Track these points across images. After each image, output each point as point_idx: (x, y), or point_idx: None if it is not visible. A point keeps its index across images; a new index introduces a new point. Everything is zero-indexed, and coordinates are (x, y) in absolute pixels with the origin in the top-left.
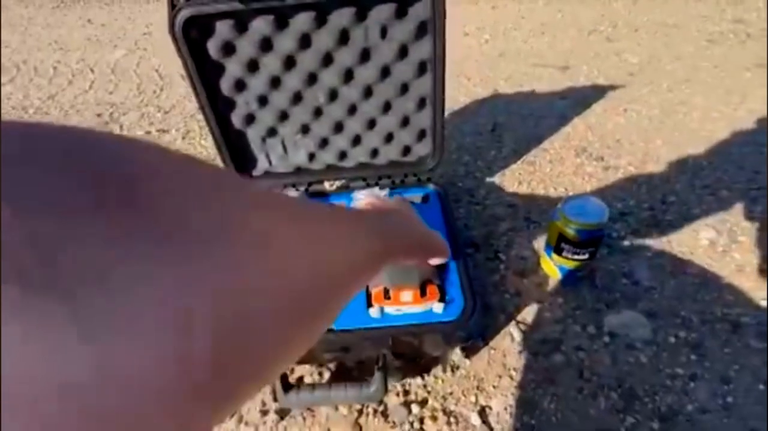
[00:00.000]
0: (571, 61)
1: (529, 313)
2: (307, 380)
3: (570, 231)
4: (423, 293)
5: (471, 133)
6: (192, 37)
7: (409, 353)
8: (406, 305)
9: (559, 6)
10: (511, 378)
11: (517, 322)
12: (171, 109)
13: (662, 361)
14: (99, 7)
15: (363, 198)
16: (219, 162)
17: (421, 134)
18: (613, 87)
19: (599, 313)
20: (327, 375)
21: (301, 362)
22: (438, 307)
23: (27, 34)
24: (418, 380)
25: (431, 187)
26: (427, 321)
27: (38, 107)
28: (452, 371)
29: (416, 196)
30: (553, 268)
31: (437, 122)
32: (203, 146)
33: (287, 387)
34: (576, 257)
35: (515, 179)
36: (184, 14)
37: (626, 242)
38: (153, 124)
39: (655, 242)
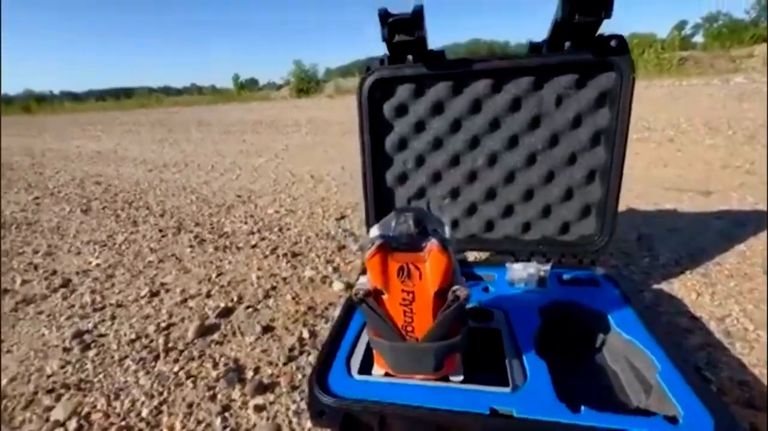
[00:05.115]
0: (713, 187)
1: None
2: None
3: None
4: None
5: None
6: (375, 97)
7: None
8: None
9: (675, 147)
10: None
11: None
12: (299, 197)
13: None
14: (252, 133)
15: (520, 270)
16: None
17: (586, 211)
18: None
19: None
20: None
21: None
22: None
23: (199, 146)
24: None
25: (599, 270)
26: None
27: (193, 199)
28: None
29: (581, 278)
30: None
31: (610, 196)
32: (324, 225)
33: None
34: None
35: (689, 289)
36: (375, 76)
37: None
38: (283, 206)
39: None
